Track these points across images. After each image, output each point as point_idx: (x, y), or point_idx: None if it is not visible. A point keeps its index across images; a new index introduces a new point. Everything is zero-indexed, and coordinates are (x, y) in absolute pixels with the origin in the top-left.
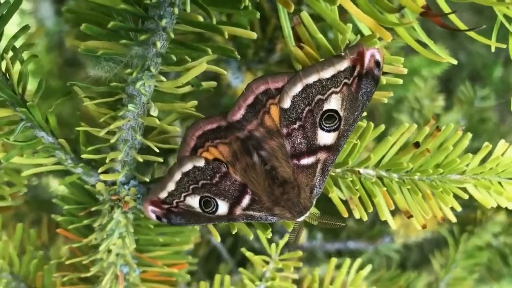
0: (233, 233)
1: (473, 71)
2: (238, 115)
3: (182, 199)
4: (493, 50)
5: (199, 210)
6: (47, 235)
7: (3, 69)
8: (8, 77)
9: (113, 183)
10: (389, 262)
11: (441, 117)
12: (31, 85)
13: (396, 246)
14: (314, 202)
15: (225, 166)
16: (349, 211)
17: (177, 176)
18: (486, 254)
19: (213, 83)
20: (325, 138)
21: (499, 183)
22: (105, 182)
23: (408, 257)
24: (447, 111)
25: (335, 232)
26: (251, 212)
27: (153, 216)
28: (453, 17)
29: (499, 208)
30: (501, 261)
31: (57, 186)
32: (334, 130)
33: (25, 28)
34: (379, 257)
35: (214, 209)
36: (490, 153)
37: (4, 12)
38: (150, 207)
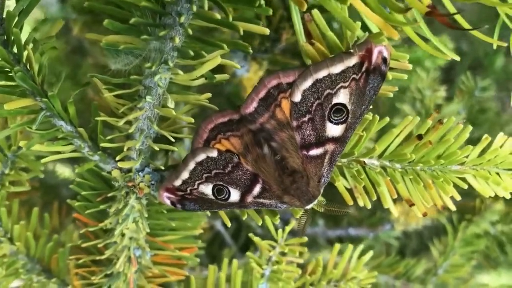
0: (243, 218)
1: (475, 60)
2: (251, 108)
3: (195, 186)
4: (494, 47)
5: (212, 197)
6: (58, 220)
7: (24, 60)
8: (28, 68)
9: (129, 170)
10: (388, 248)
11: (442, 108)
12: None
13: (396, 233)
14: (321, 191)
15: (236, 157)
16: (353, 198)
17: (191, 165)
18: (483, 242)
19: (226, 76)
20: (333, 130)
21: (497, 173)
22: (120, 169)
23: (407, 244)
24: (448, 102)
25: (337, 219)
26: (262, 200)
27: (168, 202)
28: (458, 17)
29: (497, 197)
30: (498, 249)
31: (63, 172)
32: (342, 123)
33: (45, 21)
34: (379, 243)
35: (226, 197)
36: (489, 145)
37: (24, 6)
38: (165, 194)
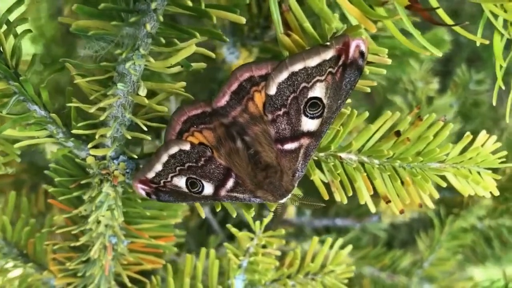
0: (217, 210)
1: (473, 53)
2: (223, 101)
3: (169, 179)
4: (478, 44)
5: (185, 190)
6: (44, 202)
7: None
8: (1, 50)
9: (103, 158)
10: (375, 240)
11: (434, 100)
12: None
13: (383, 225)
14: (296, 185)
15: (210, 150)
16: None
17: (164, 158)
18: (470, 236)
19: (203, 65)
20: (309, 124)
21: (478, 172)
22: (95, 156)
23: (394, 236)
24: (441, 94)
25: (324, 209)
26: (235, 194)
27: (143, 193)
28: (440, 12)
29: None
30: (485, 244)
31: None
32: (317, 117)
33: (19, 2)
34: (366, 235)
35: (200, 190)
36: (471, 143)
37: None
38: (139, 185)
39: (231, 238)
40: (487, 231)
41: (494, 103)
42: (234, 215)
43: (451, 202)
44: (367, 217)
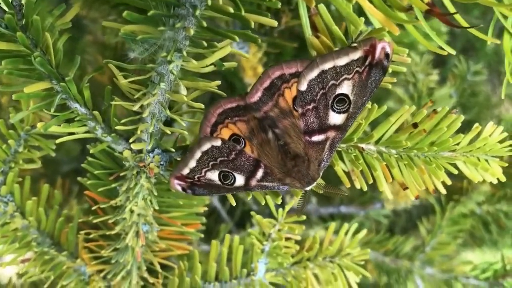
0: (249, 199)
1: (467, 42)
2: (256, 97)
3: (203, 174)
4: (489, 44)
5: (218, 183)
6: (61, 195)
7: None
8: (45, 52)
9: (139, 151)
10: (378, 226)
11: (435, 91)
12: None
13: (386, 212)
14: (321, 174)
15: (241, 142)
16: (350, 181)
17: (197, 154)
18: (469, 221)
19: (234, 64)
20: (335, 118)
21: (486, 160)
22: (131, 150)
23: (396, 222)
24: (440, 85)
25: (329, 198)
26: (265, 183)
27: (179, 188)
28: (457, 16)
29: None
30: (483, 228)
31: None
32: (344, 112)
33: (61, 7)
34: (369, 221)
35: (232, 182)
36: (479, 133)
37: None
38: (176, 181)
39: (240, 225)
40: (485, 216)
41: (503, 97)
42: (263, 203)
43: (452, 188)
44: (370, 204)
